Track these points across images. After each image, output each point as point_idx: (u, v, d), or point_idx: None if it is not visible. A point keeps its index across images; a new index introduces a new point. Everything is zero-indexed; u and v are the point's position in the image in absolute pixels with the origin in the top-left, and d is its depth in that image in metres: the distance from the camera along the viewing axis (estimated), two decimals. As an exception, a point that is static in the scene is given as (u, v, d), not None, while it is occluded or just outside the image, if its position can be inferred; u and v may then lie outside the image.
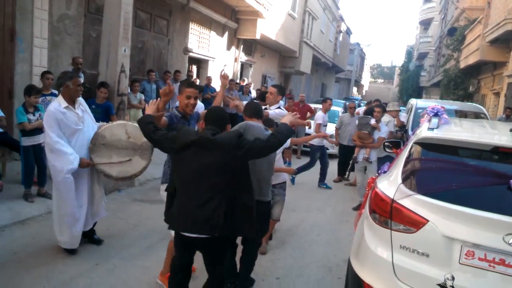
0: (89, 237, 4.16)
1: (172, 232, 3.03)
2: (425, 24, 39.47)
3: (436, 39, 31.10)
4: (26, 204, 4.89)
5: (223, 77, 3.90)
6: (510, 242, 2.12)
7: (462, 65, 16.90)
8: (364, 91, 60.11)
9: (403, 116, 8.34)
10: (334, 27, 29.21)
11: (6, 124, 5.26)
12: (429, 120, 3.11)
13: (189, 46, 11.23)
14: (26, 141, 4.96)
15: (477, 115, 8.47)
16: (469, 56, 16.11)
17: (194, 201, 2.49)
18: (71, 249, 3.89)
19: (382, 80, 76.15)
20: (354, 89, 50.03)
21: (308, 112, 10.45)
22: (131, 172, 3.81)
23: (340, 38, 32.60)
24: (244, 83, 12.50)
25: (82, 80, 3.79)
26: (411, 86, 36.44)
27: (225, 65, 13.40)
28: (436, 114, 3.13)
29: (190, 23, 11.16)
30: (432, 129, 2.90)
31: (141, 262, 3.82)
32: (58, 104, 3.65)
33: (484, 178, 2.39)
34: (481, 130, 3.31)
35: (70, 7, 6.86)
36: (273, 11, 14.27)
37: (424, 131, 2.92)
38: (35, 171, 5.11)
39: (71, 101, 3.70)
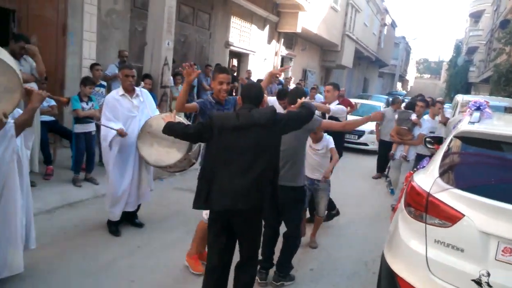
0: (131, 221, 4.40)
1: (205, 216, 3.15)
2: (476, 16, 37.58)
3: (487, 32, 29.58)
4: (74, 188, 5.20)
5: (273, 73, 3.92)
6: (550, 240, 2.06)
7: (515, 59, 16.02)
8: (409, 87, 58.29)
9: (448, 112, 8.06)
10: (379, 20, 28.46)
11: (57, 113, 5.61)
12: (471, 114, 3.03)
13: (230, 39, 11.38)
14: (78, 128, 5.29)
15: (529, 112, 8.07)
16: (522, 50, 15.23)
17: (237, 179, 2.57)
18: (115, 223, 4.21)
19: (429, 76, 73.40)
20: (399, 84, 48.66)
21: (349, 107, 10.31)
22: (165, 162, 3.97)
23: (385, 32, 31.73)
24: (284, 77, 12.50)
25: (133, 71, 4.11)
26: (459, 82, 34.84)
27: (265, 59, 13.46)
28: (478, 108, 3.04)
29: (232, 16, 11.30)
30: (473, 123, 2.83)
31: (180, 247, 3.94)
32: (116, 92, 4.06)
33: (526, 174, 2.32)
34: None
35: (118, 2, 7.16)
36: (315, 4, 14.15)
37: (464, 125, 2.85)
38: (84, 157, 5.43)
39: (127, 90, 4.02)
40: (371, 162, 8.88)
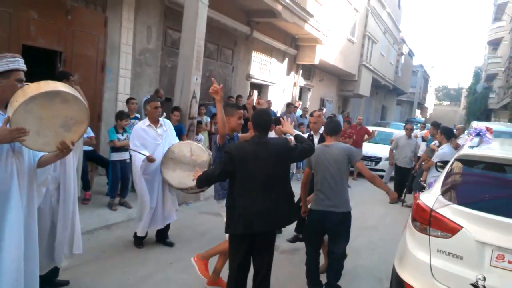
0: (163, 241, 4.84)
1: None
2: (494, 44, 37.74)
3: (506, 59, 29.68)
4: (110, 212, 5.67)
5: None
6: (537, 247, 2.37)
7: (533, 86, 16.17)
8: (428, 114, 58.04)
9: (463, 139, 8.32)
10: (395, 50, 29.00)
11: (95, 143, 6.16)
12: (471, 140, 3.38)
13: (251, 72, 12.01)
14: (115, 156, 5.83)
15: (544, 138, 8.26)
16: (540, 77, 15.39)
17: (258, 204, 2.91)
18: (138, 243, 4.69)
19: (448, 103, 73.00)
20: (417, 112, 48.57)
21: (366, 135, 10.67)
22: (188, 185, 4.37)
23: (402, 61, 32.20)
24: (299, 105, 13.00)
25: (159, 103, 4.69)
26: (478, 109, 34.73)
27: (284, 90, 14.02)
28: (478, 134, 3.39)
29: (253, 51, 11.98)
30: (472, 147, 3.19)
31: (210, 264, 4.32)
32: (143, 122, 4.60)
33: (515, 191, 2.65)
34: (520, 148, 3.51)
35: (150, 41, 7.85)
36: (332, 37, 14.75)
37: (465, 149, 3.22)
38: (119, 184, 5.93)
39: (153, 121, 4.55)
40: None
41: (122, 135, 5.87)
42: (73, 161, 3.28)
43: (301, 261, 4.66)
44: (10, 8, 5.51)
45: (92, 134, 5.85)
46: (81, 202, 5.67)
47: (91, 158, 6.20)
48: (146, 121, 4.57)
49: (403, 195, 8.52)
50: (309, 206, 3.88)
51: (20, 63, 2.48)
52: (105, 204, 5.84)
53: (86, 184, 5.90)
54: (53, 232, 3.19)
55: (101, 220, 5.37)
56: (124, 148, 5.76)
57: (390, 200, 4.11)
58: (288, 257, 4.83)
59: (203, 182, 3.15)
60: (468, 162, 3.01)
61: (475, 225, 2.59)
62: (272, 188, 2.95)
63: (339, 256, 3.74)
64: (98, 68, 6.88)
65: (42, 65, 6.33)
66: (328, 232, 3.74)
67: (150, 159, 4.42)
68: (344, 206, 3.65)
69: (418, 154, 8.54)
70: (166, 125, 4.73)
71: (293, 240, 5.30)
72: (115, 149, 5.83)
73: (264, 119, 3.07)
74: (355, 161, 3.69)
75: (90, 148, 6.08)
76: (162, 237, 4.87)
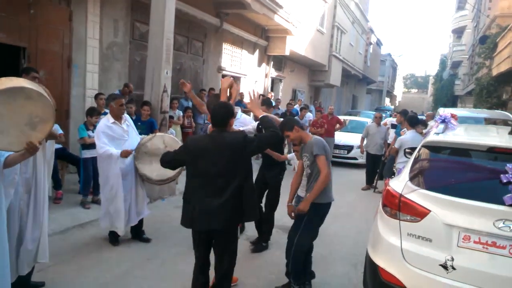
0: (139, 237, 4.80)
1: None
2: (458, 32, 38.89)
3: (469, 47, 30.67)
4: (83, 210, 5.56)
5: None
6: (499, 226, 2.50)
7: (494, 72, 16.74)
8: (397, 102, 59.42)
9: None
10: (364, 40, 29.45)
11: (64, 141, 6.00)
12: (437, 126, 3.51)
13: (223, 65, 11.95)
14: (86, 154, 5.70)
15: (505, 122, 8.63)
16: (501, 64, 15.95)
17: (211, 200, 2.82)
18: (113, 241, 4.64)
19: (416, 90, 74.92)
20: (387, 100, 49.64)
21: (337, 124, 10.85)
22: (167, 175, 4.40)
23: (371, 50, 32.76)
24: (272, 98, 13.04)
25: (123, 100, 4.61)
26: (445, 95, 35.82)
27: (255, 81, 14.03)
28: (443, 121, 3.52)
29: (223, 43, 11.90)
30: (438, 133, 3.31)
31: (185, 259, 4.25)
32: (106, 120, 4.49)
33: (479, 174, 2.79)
34: (482, 134, 3.68)
35: (118, 35, 7.67)
36: (302, 28, 14.83)
37: (431, 136, 3.33)
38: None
39: (117, 118, 4.47)
40: (361, 175, 9.33)
41: (93, 132, 5.74)
42: (44, 164, 3.20)
43: (277, 250, 4.75)
44: (-33, 3, 5.27)
45: (60, 131, 5.67)
46: (52, 201, 5.55)
47: (61, 156, 6.04)
48: (110, 118, 4.45)
49: (375, 181, 8.74)
50: (320, 200, 3.55)
51: None
52: (78, 202, 5.72)
53: (57, 183, 5.76)
54: (19, 237, 3.09)
55: (74, 219, 5.28)
56: (94, 145, 5.64)
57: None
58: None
59: (163, 162, 3.11)
60: (434, 148, 3.12)
61: (442, 209, 2.70)
62: (226, 184, 2.82)
63: None
64: (64, 64, 6.68)
65: (6, 61, 6.11)
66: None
67: (123, 154, 4.36)
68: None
69: (388, 141, 8.77)
70: (129, 120, 4.69)
71: (257, 248, 4.79)
72: (86, 146, 5.70)
73: (220, 112, 2.93)
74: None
75: (60, 145, 5.92)
76: (138, 233, 4.83)
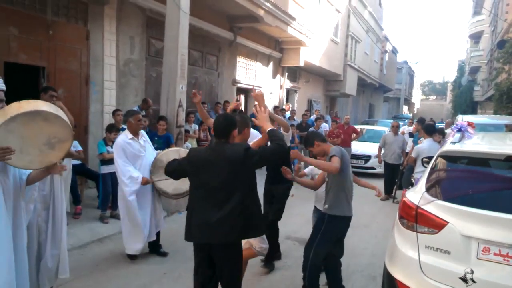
0: (156, 251, 4.83)
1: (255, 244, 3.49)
2: (475, 37, 38.33)
3: (488, 52, 30.19)
4: (102, 225, 5.64)
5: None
6: (520, 238, 2.43)
7: (514, 77, 16.44)
8: (415, 109, 58.66)
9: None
10: (379, 48, 29.30)
11: (83, 157, 6.13)
12: (453, 135, 3.45)
13: (237, 77, 12.05)
14: (105, 169, 5.80)
15: (527, 128, 8.43)
16: (521, 68, 15.66)
17: (211, 214, 2.71)
18: (131, 256, 4.64)
19: (435, 97, 73.88)
20: (405, 108, 49.05)
21: (354, 133, 10.77)
22: (184, 189, 4.43)
23: (386, 58, 32.55)
24: (289, 109, 13.07)
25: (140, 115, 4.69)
26: (464, 102, 35.20)
27: (270, 93, 14.08)
28: (459, 130, 3.46)
29: (238, 56, 12.02)
30: (454, 143, 3.25)
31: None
32: (125, 136, 4.53)
33: (497, 184, 2.72)
34: (500, 142, 3.59)
35: (134, 52, 7.84)
36: (315, 39, 14.86)
37: (447, 145, 3.28)
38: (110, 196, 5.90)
39: (135, 133, 4.53)
40: (379, 185, 9.18)
41: (111, 148, 5.85)
42: (61, 181, 3.28)
43: (294, 263, 4.71)
44: (-11, 26, 5.48)
45: (79, 147, 5.82)
46: (72, 216, 5.65)
47: (80, 172, 6.17)
48: (128, 134, 4.52)
49: (394, 191, 8.61)
50: (335, 212, 3.56)
51: (0, 84, 2.50)
52: (97, 217, 5.81)
53: (76, 198, 5.87)
54: (39, 253, 3.17)
55: (93, 233, 5.35)
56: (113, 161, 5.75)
57: (382, 198, 4.09)
58: (282, 260, 4.85)
59: (166, 172, 3.08)
60: (450, 158, 3.06)
61: (460, 220, 2.64)
62: (226, 198, 2.71)
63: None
64: (83, 82, 6.85)
65: (26, 81, 6.30)
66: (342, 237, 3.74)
67: (144, 182, 4.45)
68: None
69: (406, 150, 8.65)
70: (145, 136, 4.76)
71: (267, 266, 4.59)
72: (105, 161, 5.81)
73: (221, 123, 2.84)
74: None
75: (79, 161, 6.04)
76: (155, 247, 4.86)
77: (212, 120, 4.16)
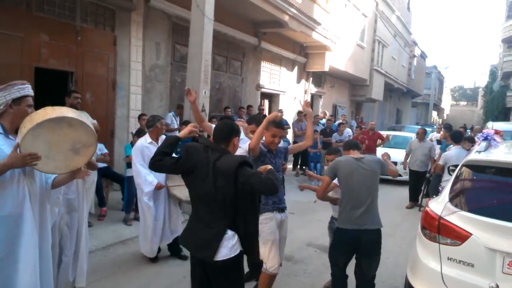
0: (177, 254, 4.88)
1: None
2: (509, 42, 36.87)
3: (522, 56, 29.12)
4: (125, 227, 5.74)
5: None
6: (549, 252, 2.32)
7: (550, 83, 15.81)
8: (445, 115, 57.16)
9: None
10: (407, 52, 28.75)
11: (109, 159, 6.26)
12: (479, 144, 3.34)
13: (261, 82, 12.07)
14: (130, 172, 5.89)
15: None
16: (556, 73, 15.04)
17: (200, 228, 2.50)
18: (152, 258, 4.70)
19: (465, 103, 71.77)
20: (434, 113, 47.89)
21: (379, 139, 10.58)
22: None
23: (414, 63, 31.89)
24: (327, 117, 12.94)
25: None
26: (496, 108, 33.98)
27: (295, 98, 14.03)
28: (486, 138, 3.35)
29: (262, 61, 12.04)
30: (479, 152, 3.14)
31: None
32: (144, 140, 4.64)
33: (524, 195, 2.61)
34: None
35: (160, 57, 7.99)
36: (341, 43, 14.74)
37: (472, 154, 3.17)
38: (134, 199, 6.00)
39: (156, 138, 4.61)
40: (406, 193, 9.00)
41: None
42: (84, 187, 3.38)
43: (315, 271, 4.66)
44: (21, 32, 5.69)
45: (105, 151, 5.95)
46: (97, 218, 5.78)
47: (106, 175, 6.30)
48: (148, 139, 4.60)
49: (420, 199, 8.40)
50: (337, 225, 3.50)
51: (29, 89, 2.58)
52: (121, 219, 5.92)
53: (101, 200, 6.00)
54: (60, 257, 3.25)
55: (116, 235, 5.45)
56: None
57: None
58: (302, 268, 4.81)
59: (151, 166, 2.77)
60: (475, 167, 2.96)
61: (484, 232, 2.55)
62: (216, 213, 2.46)
63: (372, 278, 3.50)
64: (109, 86, 7.03)
65: (55, 86, 6.51)
66: (360, 252, 3.38)
67: (158, 187, 4.51)
68: (378, 222, 3.39)
69: (434, 158, 8.43)
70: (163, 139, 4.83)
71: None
72: (131, 164, 5.90)
73: (223, 129, 2.61)
74: (386, 169, 3.50)
75: (105, 164, 6.18)
76: (175, 250, 4.90)
77: (208, 123, 4.18)
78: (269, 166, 2.56)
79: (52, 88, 6.39)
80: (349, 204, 3.33)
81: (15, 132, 2.52)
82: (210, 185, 2.41)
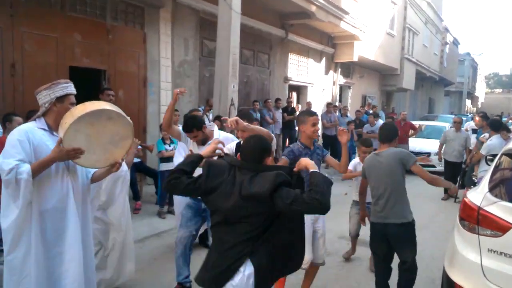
0: (203, 243, 4.98)
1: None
2: (549, 24, 35.30)
3: None
4: (159, 220, 5.88)
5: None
6: None
7: None
8: (479, 103, 55.14)
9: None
10: (439, 40, 27.87)
11: (142, 155, 6.41)
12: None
13: (289, 75, 12.01)
14: (163, 167, 6.07)
15: None
16: None
17: (217, 252, 2.15)
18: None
19: (501, 90, 68.91)
20: (468, 102, 46.30)
21: (411, 130, 10.35)
22: None
23: (447, 50, 30.86)
24: (342, 106, 12.86)
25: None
26: (535, 94, 32.61)
27: (323, 90, 13.89)
28: (527, 125, 3.21)
29: (289, 54, 11.97)
30: (520, 140, 3.02)
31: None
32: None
33: None
34: None
35: (188, 53, 8.08)
36: (370, 32, 14.45)
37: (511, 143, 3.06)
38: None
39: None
40: (439, 184, 8.77)
41: (169, 146, 6.12)
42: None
43: (348, 263, 4.63)
44: (56, 33, 5.88)
45: (139, 146, 6.09)
46: (132, 211, 5.91)
47: (139, 169, 6.47)
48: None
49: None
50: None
51: (72, 88, 2.65)
52: (155, 212, 6.06)
53: (136, 194, 6.17)
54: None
55: (151, 228, 5.59)
56: (171, 159, 5.93)
57: (450, 193, 3.94)
58: (336, 259, 4.79)
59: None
60: (517, 155, 2.86)
61: (527, 223, 2.45)
62: (231, 235, 2.10)
63: (409, 266, 3.48)
64: (141, 83, 7.17)
65: (89, 83, 6.70)
66: (392, 243, 3.47)
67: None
68: (403, 215, 3.36)
69: (470, 148, 8.17)
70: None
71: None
72: (164, 159, 6.07)
73: (253, 148, 2.20)
74: (409, 165, 3.31)
75: (138, 159, 6.33)
76: (203, 239, 5.01)
77: (175, 128, 4.06)
78: (308, 162, 2.18)
79: (86, 86, 6.58)
80: (373, 198, 3.52)
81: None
82: (231, 202, 2.07)
